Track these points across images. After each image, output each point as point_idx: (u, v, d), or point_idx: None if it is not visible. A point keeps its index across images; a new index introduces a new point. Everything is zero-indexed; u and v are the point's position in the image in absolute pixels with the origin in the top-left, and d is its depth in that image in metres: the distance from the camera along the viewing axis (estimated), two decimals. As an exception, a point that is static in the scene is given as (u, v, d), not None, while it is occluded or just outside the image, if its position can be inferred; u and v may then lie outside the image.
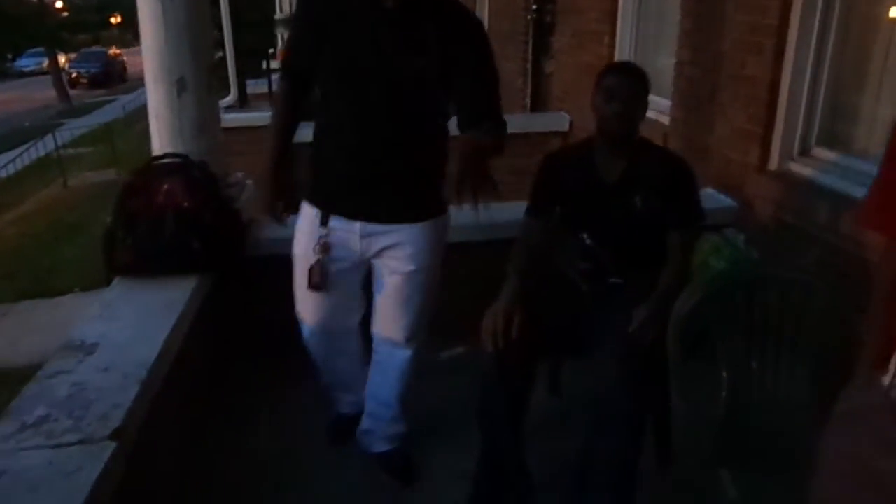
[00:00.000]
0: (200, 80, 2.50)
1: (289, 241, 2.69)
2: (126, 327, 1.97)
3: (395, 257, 1.97)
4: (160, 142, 2.53)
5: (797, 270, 1.93)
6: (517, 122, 5.54)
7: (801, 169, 2.67)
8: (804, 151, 2.70)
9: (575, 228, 2.09)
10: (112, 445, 1.45)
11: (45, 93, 24.62)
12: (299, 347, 2.66)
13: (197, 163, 2.44)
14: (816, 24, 2.58)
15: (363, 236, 1.95)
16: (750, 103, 2.83)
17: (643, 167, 2.01)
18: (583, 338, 1.99)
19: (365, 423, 2.26)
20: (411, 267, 1.97)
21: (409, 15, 1.81)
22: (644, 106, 2.00)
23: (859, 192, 2.33)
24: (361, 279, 2.09)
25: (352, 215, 1.94)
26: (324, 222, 1.96)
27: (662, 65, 3.88)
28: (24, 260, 8.08)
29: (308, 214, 2.02)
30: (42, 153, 13.51)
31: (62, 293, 6.83)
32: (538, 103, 6.05)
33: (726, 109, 3.03)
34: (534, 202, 2.14)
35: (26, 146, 13.76)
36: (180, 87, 2.46)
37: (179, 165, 2.40)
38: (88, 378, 1.70)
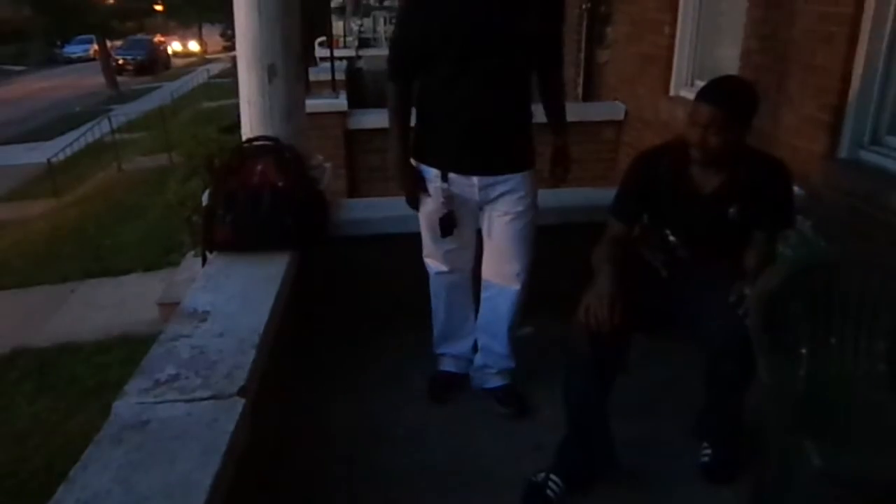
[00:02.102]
0: (290, 67, 2.62)
1: (364, 223, 2.88)
2: (232, 297, 2.11)
3: (507, 201, 2.26)
4: (251, 125, 2.66)
5: (875, 253, 2.00)
6: (571, 111, 5.55)
7: (872, 157, 2.71)
8: (875, 140, 2.74)
9: (660, 225, 2.15)
10: (241, 401, 1.59)
11: (92, 79, 25.25)
12: (375, 323, 2.82)
13: (286, 145, 2.57)
14: (892, 10, 2.60)
15: (481, 188, 2.25)
16: (820, 92, 2.87)
17: (740, 179, 1.99)
18: (664, 317, 2.09)
19: (478, 359, 2.51)
20: (520, 207, 2.27)
21: None
22: (735, 130, 1.92)
23: (933, 179, 2.39)
24: (476, 226, 2.39)
25: (468, 171, 2.23)
26: (444, 178, 2.25)
27: (726, 54, 3.92)
28: (87, 239, 8.40)
29: (426, 171, 2.30)
30: (96, 137, 13.90)
31: (125, 273, 7.12)
32: (591, 93, 6.09)
33: (794, 98, 3.06)
34: (621, 203, 2.16)
35: (82, 130, 14.19)
36: (271, 73, 2.59)
37: (271, 147, 2.53)
38: (207, 342, 1.84)
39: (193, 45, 38.93)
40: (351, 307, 2.85)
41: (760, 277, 1.90)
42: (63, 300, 6.65)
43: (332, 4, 10.48)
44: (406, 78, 2.27)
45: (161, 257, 6.96)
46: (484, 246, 2.40)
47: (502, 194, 2.25)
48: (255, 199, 2.38)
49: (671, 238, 2.15)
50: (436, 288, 2.51)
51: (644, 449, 2.23)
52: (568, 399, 2.08)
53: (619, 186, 2.19)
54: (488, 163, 2.23)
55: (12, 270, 7.77)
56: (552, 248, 2.76)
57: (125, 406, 1.57)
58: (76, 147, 13.47)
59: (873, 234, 2.50)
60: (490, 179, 2.23)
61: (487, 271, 2.40)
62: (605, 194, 2.27)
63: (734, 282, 1.96)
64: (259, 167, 2.46)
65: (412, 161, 2.33)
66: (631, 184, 2.16)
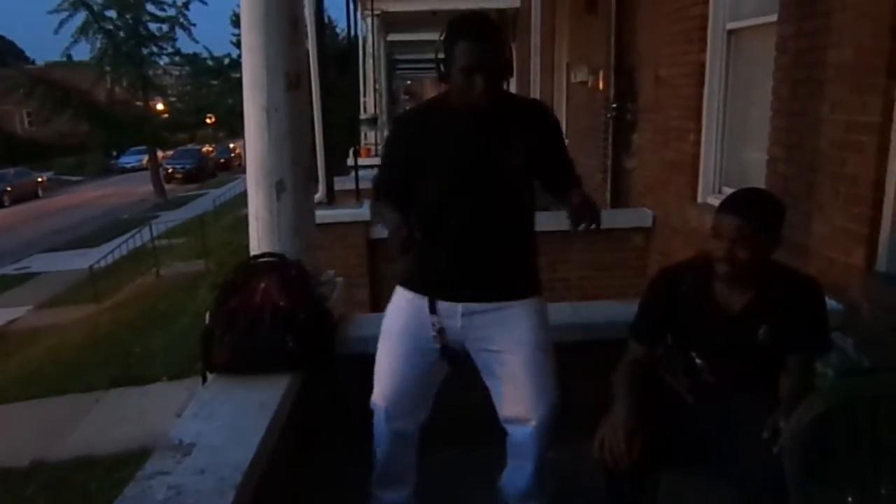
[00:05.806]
0: (298, 183, 2.60)
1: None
2: (222, 427, 1.98)
3: (499, 336, 2.06)
4: (258, 241, 2.61)
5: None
6: (599, 217, 5.55)
7: (914, 271, 2.53)
8: (917, 252, 2.56)
9: (684, 347, 2.00)
10: (209, 556, 1.43)
11: (143, 187, 26.31)
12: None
13: (292, 262, 2.51)
14: (922, 121, 2.49)
15: (464, 315, 2.06)
16: (852, 202, 2.73)
17: (769, 298, 1.87)
18: (689, 450, 1.90)
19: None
20: (515, 342, 2.05)
21: (499, 115, 1.99)
22: (765, 244, 1.83)
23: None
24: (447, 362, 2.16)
25: (453, 297, 2.06)
26: (432, 310, 2.07)
27: (752, 159, 3.83)
28: (118, 346, 8.43)
29: (411, 300, 2.12)
30: (139, 244, 14.30)
31: (151, 381, 7.07)
32: (618, 199, 6.03)
33: (825, 208, 2.92)
34: (641, 325, 2.04)
35: (125, 237, 14.65)
36: (279, 188, 2.56)
37: (276, 265, 2.46)
38: (185, 481, 1.70)
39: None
40: (358, 429, 2.68)
41: (796, 409, 1.71)
42: (87, 410, 6.60)
43: (365, 116, 10.86)
44: (395, 198, 2.10)
45: (188, 364, 6.91)
46: (491, 389, 2.16)
47: (494, 326, 2.07)
48: (255, 320, 2.29)
49: (697, 361, 1.99)
50: (380, 430, 2.21)
51: None
52: None
53: (639, 306, 2.07)
54: (476, 290, 2.07)
55: (44, 378, 7.80)
56: (572, 367, 2.59)
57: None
58: (120, 253, 13.85)
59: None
60: (477, 307, 2.06)
61: (502, 412, 2.15)
62: (630, 309, 2.14)
63: (767, 413, 1.77)
64: (262, 285, 2.38)
65: (399, 287, 2.18)
66: (651, 303, 2.04)
